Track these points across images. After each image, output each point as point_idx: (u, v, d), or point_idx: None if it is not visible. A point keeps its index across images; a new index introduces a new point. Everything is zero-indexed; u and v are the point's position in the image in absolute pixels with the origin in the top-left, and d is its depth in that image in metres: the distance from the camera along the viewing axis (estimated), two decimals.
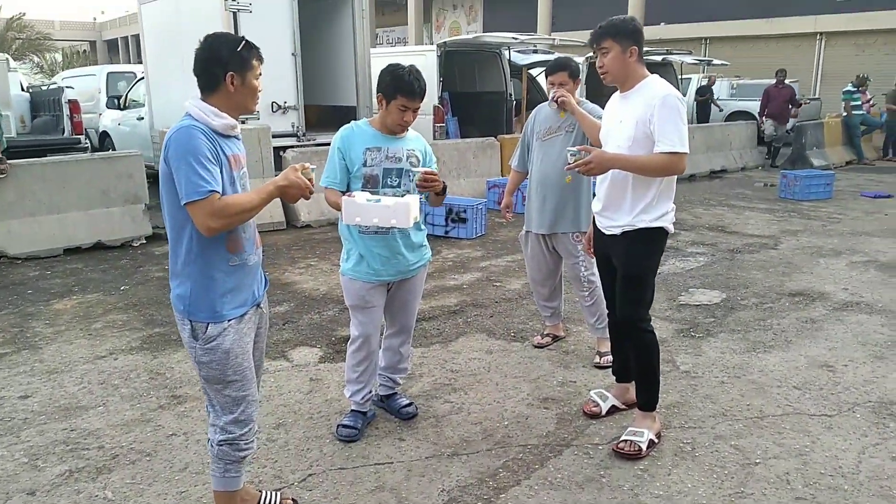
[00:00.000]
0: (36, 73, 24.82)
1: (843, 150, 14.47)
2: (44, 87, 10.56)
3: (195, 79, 2.34)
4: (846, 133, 14.53)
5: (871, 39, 21.09)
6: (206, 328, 2.30)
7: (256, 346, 2.54)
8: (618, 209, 3.14)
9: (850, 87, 14.49)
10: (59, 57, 29.23)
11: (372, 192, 3.04)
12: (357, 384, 3.34)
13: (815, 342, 4.60)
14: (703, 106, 16.43)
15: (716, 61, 16.57)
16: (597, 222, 3.32)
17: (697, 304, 5.41)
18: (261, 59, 2.36)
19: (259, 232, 2.50)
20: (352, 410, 3.40)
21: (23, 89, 9.90)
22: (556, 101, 3.97)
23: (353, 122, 3.22)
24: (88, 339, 4.58)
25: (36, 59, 29.35)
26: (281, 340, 4.58)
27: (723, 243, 7.47)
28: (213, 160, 2.21)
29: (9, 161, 6.67)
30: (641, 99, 3.02)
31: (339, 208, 2.89)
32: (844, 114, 14.52)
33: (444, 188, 3.13)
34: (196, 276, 2.29)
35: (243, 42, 2.33)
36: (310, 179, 2.32)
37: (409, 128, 3.24)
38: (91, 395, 3.76)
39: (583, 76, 9.96)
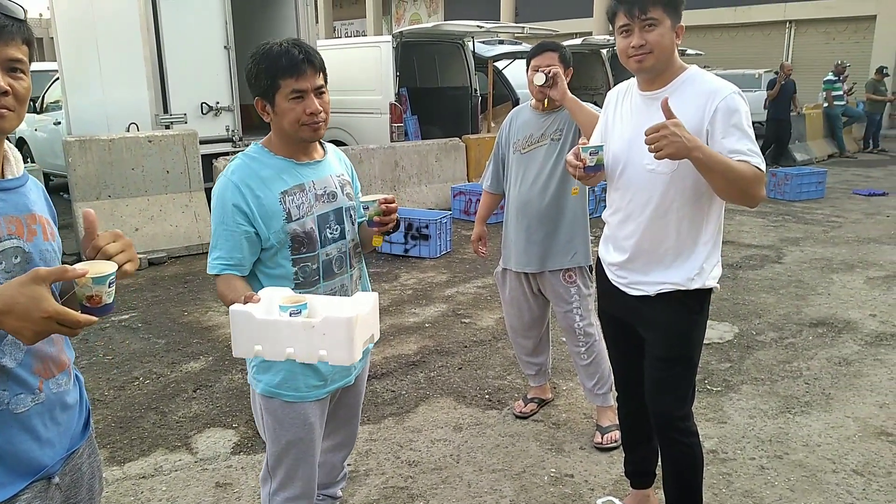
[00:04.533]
0: None
1: (824, 143, 13.78)
2: None
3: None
4: (827, 125, 13.85)
5: (841, 27, 20.58)
6: None
7: None
8: (655, 260, 2.17)
9: (830, 77, 13.79)
10: None
11: (310, 258, 1.94)
12: None
13: (860, 395, 3.71)
14: (779, 107, 12.39)
15: (689, 51, 15.74)
16: (609, 275, 2.34)
17: (707, 342, 4.48)
18: None
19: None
20: None
21: None
22: (547, 76, 2.93)
23: (241, 154, 2.00)
24: None
25: None
26: (187, 417, 3.52)
27: None
28: None
29: None
30: (689, 100, 2.05)
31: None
32: (825, 104, 13.83)
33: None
34: None
35: None
36: (91, 297, 1.20)
37: (322, 141, 2.09)
38: None
39: None
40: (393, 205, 1.97)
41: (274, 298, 1.65)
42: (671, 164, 2.05)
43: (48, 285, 1.16)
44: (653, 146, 1.91)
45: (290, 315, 1.58)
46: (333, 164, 2.09)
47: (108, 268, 1.24)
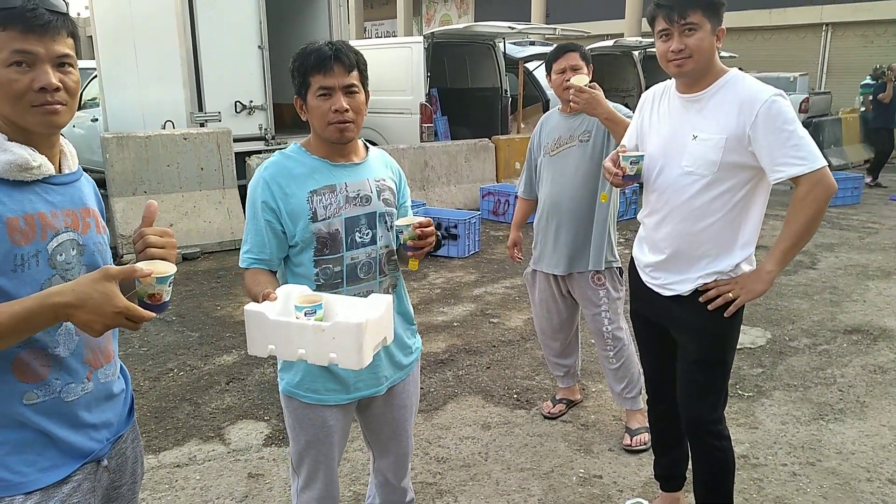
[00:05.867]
0: None
1: (861, 148, 13.53)
2: None
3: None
4: (864, 129, 13.58)
5: (881, 30, 20.17)
6: None
7: None
8: (692, 262, 2.16)
9: (868, 80, 13.49)
10: None
11: (333, 260, 1.90)
12: None
13: (895, 404, 3.65)
14: (887, 114, 11.49)
15: (724, 53, 15.56)
16: (643, 277, 2.34)
17: (739, 346, 4.42)
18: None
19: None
20: None
21: None
22: (570, 100, 2.88)
23: (278, 152, 1.99)
24: None
25: None
26: (220, 409, 3.58)
27: None
28: None
29: None
30: (729, 103, 2.04)
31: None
32: (863, 108, 13.55)
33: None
34: None
35: None
36: (153, 295, 1.28)
37: (368, 144, 2.06)
38: None
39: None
40: (429, 228, 1.88)
41: (291, 295, 1.65)
42: (710, 167, 2.04)
43: (117, 283, 1.22)
44: (733, 304, 2.12)
45: (305, 315, 1.59)
46: (375, 168, 2.03)
47: (170, 269, 1.31)
